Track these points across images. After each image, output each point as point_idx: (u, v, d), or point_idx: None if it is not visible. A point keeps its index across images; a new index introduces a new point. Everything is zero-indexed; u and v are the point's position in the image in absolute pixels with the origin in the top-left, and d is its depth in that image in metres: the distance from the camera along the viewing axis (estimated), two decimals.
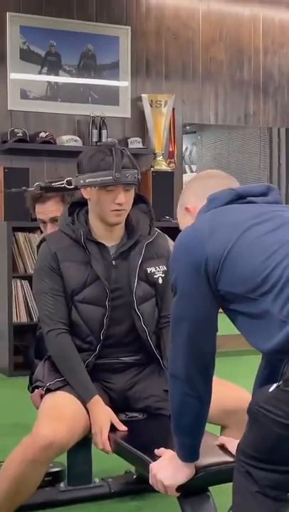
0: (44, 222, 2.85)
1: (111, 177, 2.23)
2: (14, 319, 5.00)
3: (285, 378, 1.50)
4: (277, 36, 6.39)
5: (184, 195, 1.93)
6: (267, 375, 1.79)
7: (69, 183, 2.37)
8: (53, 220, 2.79)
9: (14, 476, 2.10)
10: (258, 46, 6.31)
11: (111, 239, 2.34)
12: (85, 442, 2.30)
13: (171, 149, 5.85)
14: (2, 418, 3.99)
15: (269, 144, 6.61)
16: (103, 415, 2.16)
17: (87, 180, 2.26)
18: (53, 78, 5.50)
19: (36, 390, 2.33)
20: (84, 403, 2.19)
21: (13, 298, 5.00)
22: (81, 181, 2.29)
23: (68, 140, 5.35)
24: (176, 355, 1.70)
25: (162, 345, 2.32)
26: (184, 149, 6.16)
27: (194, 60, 6.06)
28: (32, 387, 2.41)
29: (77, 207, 2.39)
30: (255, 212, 1.68)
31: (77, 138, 5.43)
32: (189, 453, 1.77)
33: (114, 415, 2.18)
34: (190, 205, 1.87)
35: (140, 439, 2.10)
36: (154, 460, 1.86)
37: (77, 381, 2.22)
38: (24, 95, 5.41)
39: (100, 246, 2.31)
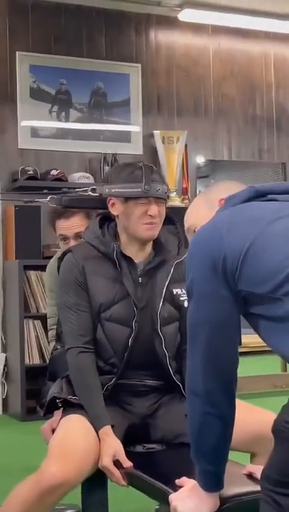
0: (66, 239, 2.77)
1: (140, 189, 2.13)
2: (26, 361, 4.84)
3: None
4: (288, 72, 6.34)
5: (212, 192, 1.77)
6: None
7: (94, 190, 2.23)
8: (78, 235, 2.71)
9: None
10: (270, 82, 6.27)
11: (140, 255, 2.22)
12: (100, 481, 2.12)
13: (184, 186, 5.76)
14: (13, 463, 3.80)
15: (284, 180, 6.50)
16: (109, 451, 1.98)
17: (113, 190, 2.16)
18: (63, 125, 5.44)
19: (53, 410, 2.19)
20: (96, 429, 2.03)
21: (26, 339, 4.85)
22: (107, 190, 2.18)
23: (80, 177, 5.27)
24: (195, 368, 1.53)
25: (184, 370, 2.16)
26: (197, 192, 6.06)
27: (206, 97, 6.01)
28: (48, 399, 2.21)
29: (106, 221, 2.27)
30: (278, 207, 1.53)
31: (89, 175, 5.36)
32: (213, 481, 1.59)
33: (122, 449, 1.99)
34: (223, 196, 1.69)
35: (159, 470, 1.93)
36: (175, 491, 1.68)
37: (92, 407, 2.06)
38: (35, 134, 5.36)
39: (130, 262, 2.19)
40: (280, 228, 1.46)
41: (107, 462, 1.96)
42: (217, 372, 1.51)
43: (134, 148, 5.65)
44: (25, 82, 5.33)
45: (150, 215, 2.14)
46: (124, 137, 5.65)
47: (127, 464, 1.97)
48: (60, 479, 1.86)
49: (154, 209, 2.14)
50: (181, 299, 2.19)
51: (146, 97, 5.75)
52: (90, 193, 2.23)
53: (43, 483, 1.87)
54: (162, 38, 5.84)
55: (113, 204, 2.18)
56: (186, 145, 5.71)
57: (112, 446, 1.98)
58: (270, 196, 1.59)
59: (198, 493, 1.60)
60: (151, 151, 5.68)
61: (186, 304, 2.16)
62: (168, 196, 2.25)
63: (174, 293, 2.20)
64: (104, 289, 2.16)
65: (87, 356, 2.13)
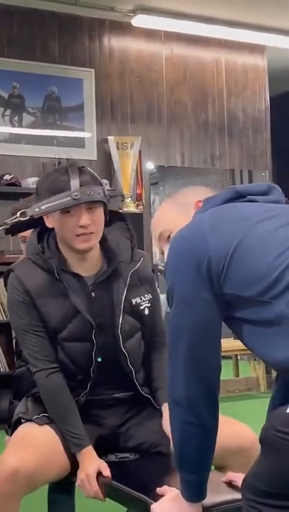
0: (25, 241, 2.56)
1: (69, 197, 1.95)
2: None
3: None
4: (240, 79, 6.40)
5: (183, 196, 1.73)
6: (282, 395, 1.52)
7: (23, 214, 2.02)
8: None
9: None
10: (221, 88, 6.31)
11: (86, 268, 2.08)
12: (66, 485, 2.08)
13: (138, 191, 5.75)
14: None
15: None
16: (92, 464, 1.94)
17: (43, 207, 1.98)
18: (15, 129, 5.37)
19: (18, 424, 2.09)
20: (73, 454, 1.97)
21: None
22: (36, 209, 1.98)
23: (34, 182, 5.17)
24: (176, 376, 1.49)
25: (152, 376, 2.13)
26: (151, 198, 6.05)
27: (159, 102, 6.01)
28: (14, 421, 2.14)
29: (47, 231, 2.11)
30: (260, 209, 1.50)
31: None
32: (195, 491, 1.56)
33: (105, 464, 1.95)
34: (199, 199, 1.63)
35: (136, 480, 1.89)
36: (155, 501, 1.65)
37: (70, 428, 1.98)
38: None
39: (77, 276, 2.06)
40: (266, 230, 1.44)
41: (86, 475, 1.91)
42: (200, 379, 1.47)
43: (89, 154, 5.61)
44: None
45: (82, 226, 1.99)
46: (79, 142, 5.61)
47: (107, 472, 1.91)
48: (16, 466, 1.83)
49: (84, 219, 1.99)
50: (142, 307, 2.10)
51: (100, 102, 5.72)
52: (19, 219, 2.04)
53: (1, 473, 1.83)
54: (116, 43, 5.82)
55: (47, 216, 2.04)
56: (140, 151, 5.70)
57: (95, 464, 1.94)
58: (249, 197, 1.56)
59: (181, 502, 1.57)
60: (106, 157, 5.65)
61: (146, 312, 2.10)
62: (106, 196, 2.06)
63: (134, 303, 2.09)
64: (54, 309, 2.03)
65: (57, 376, 2.03)
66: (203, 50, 6.20)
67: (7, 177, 5.12)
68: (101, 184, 2.05)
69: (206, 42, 6.16)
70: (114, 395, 2.11)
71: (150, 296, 2.14)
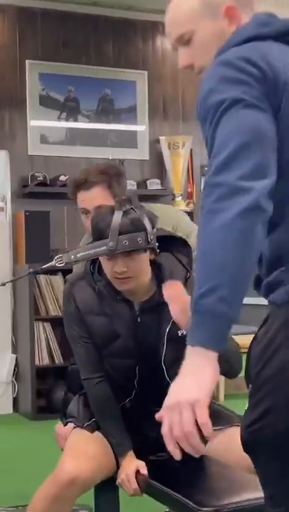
0: (87, 212, 2.53)
1: (105, 247, 2.01)
2: (36, 362, 4.99)
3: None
4: None
5: None
6: None
7: (59, 260, 2.11)
8: None
9: None
10: None
11: (134, 294, 2.15)
12: (111, 483, 2.27)
13: (189, 190, 5.89)
14: (25, 462, 3.95)
15: None
16: (131, 465, 2.12)
17: (78, 255, 2.07)
18: (71, 124, 5.58)
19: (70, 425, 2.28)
20: (116, 456, 2.15)
21: (36, 340, 5.00)
22: (72, 257, 2.08)
23: None
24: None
25: None
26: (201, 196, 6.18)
27: None
28: (66, 421, 2.33)
29: None
30: None
31: None
32: (226, 331, 1.27)
33: (143, 463, 2.12)
34: (232, 4, 1.46)
35: (171, 478, 2.07)
36: (190, 500, 1.80)
37: (113, 434, 2.17)
38: (44, 140, 5.49)
39: (124, 301, 2.16)
40: None
41: (125, 475, 2.09)
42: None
43: (141, 154, 5.78)
44: (35, 89, 5.46)
45: (116, 272, 2.06)
46: (131, 143, 5.78)
47: (144, 471, 2.08)
48: (75, 474, 2.02)
49: (119, 266, 2.04)
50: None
51: (153, 103, 5.87)
52: (56, 264, 2.13)
53: (59, 479, 2.03)
54: (168, 44, 5.94)
55: None
56: (191, 150, 5.84)
57: (134, 464, 2.11)
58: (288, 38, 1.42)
59: (193, 365, 1.29)
60: (158, 156, 5.81)
61: None
62: (149, 241, 2.05)
63: (180, 334, 2.06)
64: (98, 328, 2.15)
65: (103, 385, 2.19)
66: None
67: (62, 178, 5.33)
68: (144, 229, 2.05)
69: None
70: (157, 408, 2.25)
71: None
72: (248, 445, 1.39)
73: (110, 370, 2.22)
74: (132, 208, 2.08)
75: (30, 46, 5.47)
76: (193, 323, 1.26)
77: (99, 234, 2.06)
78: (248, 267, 1.26)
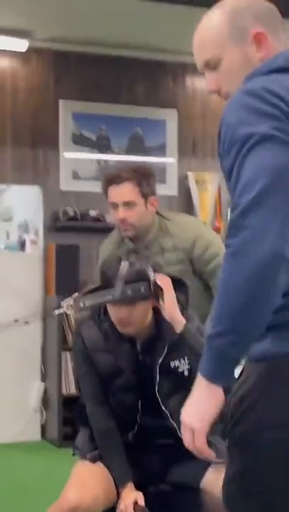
0: (116, 207, 2.74)
1: (110, 296, 2.21)
2: (63, 391, 5.15)
3: None
4: None
5: (239, 15, 1.48)
6: None
7: (69, 308, 2.36)
8: (127, 204, 2.69)
9: None
10: None
11: (136, 334, 2.33)
12: None
13: (217, 225, 6.03)
14: (51, 488, 4.07)
15: None
16: (130, 496, 2.25)
17: (86, 303, 2.27)
18: (102, 156, 5.79)
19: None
20: (117, 486, 2.29)
21: (62, 370, 5.17)
22: (81, 304, 2.27)
23: None
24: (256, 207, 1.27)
25: None
26: None
27: None
28: (72, 453, 2.51)
29: None
30: None
31: None
32: (231, 369, 1.35)
33: (141, 494, 2.25)
34: (260, 29, 1.45)
35: (171, 511, 2.20)
36: None
37: (115, 466, 2.31)
38: (76, 176, 5.72)
39: (127, 340, 2.34)
40: None
41: (124, 506, 2.23)
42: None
43: (169, 189, 5.95)
44: (68, 128, 5.70)
45: (120, 318, 2.26)
46: (160, 178, 5.96)
47: (142, 502, 2.22)
48: (77, 502, 2.18)
49: (121, 314, 2.24)
50: (180, 370, 2.24)
51: (182, 141, 6.05)
52: (65, 311, 2.36)
53: (62, 508, 2.20)
54: (198, 83, 6.14)
55: None
56: (219, 185, 5.99)
57: (133, 495, 2.25)
58: None
59: (199, 393, 1.37)
60: (186, 192, 5.97)
61: (186, 374, 2.21)
62: (152, 289, 2.20)
63: (172, 366, 2.25)
64: (103, 365, 2.34)
65: (106, 418, 2.36)
66: None
67: (92, 213, 5.54)
68: (148, 279, 2.22)
69: None
70: (158, 441, 2.40)
71: (192, 357, 2.23)
72: (225, 500, 1.42)
73: (114, 404, 2.37)
74: (137, 259, 2.28)
75: (64, 87, 5.72)
76: (205, 354, 1.35)
77: (106, 282, 2.25)
78: (265, 316, 1.29)
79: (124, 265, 2.23)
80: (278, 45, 1.48)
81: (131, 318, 2.27)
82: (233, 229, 1.29)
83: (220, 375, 1.34)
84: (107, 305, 2.31)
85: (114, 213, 2.77)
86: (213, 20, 1.51)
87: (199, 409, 1.36)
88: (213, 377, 1.34)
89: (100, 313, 2.39)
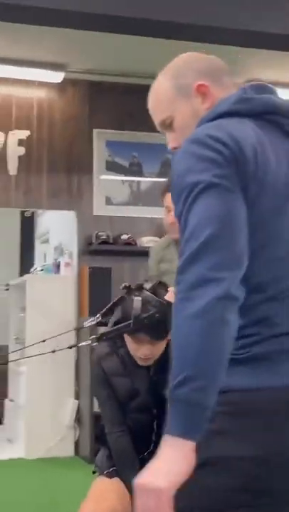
0: (170, 211, 2.98)
1: (134, 332, 2.34)
2: (95, 408, 5.31)
3: None
4: None
5: (181, 75, 1.56)
6: None
7: (94, 339, 2.41)
8: None
9: None
10: None
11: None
12: None
13: None
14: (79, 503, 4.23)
15: None
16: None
17: (109, 330, 2.41)
18: (135, 186, 6.01)
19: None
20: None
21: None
22: (104, 331, 2.43)
23: (148, 241, 5.74)
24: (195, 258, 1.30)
25: None
26: None
27: None
28: (93, 471, 2.69)
29: None
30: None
31: (157, 238, 5.83)
32: (203, 420, 1.26)
33: None
34: (201, 82, 1.52)
35: None
36: None
37: (131, 481, 2.45)
38: (108, 202, 5.94)
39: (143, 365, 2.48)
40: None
41: None
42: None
43: None
44: (101, 155, 5.94)
45: (141, 354, 2.39)
46: None
47: None
48: None
49: (144, 351, 2.38)
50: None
51: None
52: (90, 343, 2.44)
53: None
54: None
55: None
56: None
57: None
58: (277, 118, 1.46)
59: (178, 448, 1.26)
60: None
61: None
62: (168, 330, 2.16)
63: None
64: (121, 388, 2.48)
65: (124, 438, 2.49)
66: None
67: (124, 236, 5.74)
68: (166, 320, 2.19)
69: None
70: None
71: None
72: None
73: (131, 424, 2.53)
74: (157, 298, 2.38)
75: (98, 116, 5.96)
76: (170, 413, 1.27)
77: (127, 315, 2.36)
78: (222, 356, 1.26)
79: (137, 302, 2.34)
80: (224, 93, 1.53)
81: (153, 354, 2.42)
82: (180, 275, 1.31)
83: (194, 429, 1.25)
84: (127, 339, 2.44)
85: (167, 217, 3.04)
86: (160, 83, 1.62)
87: (171, 470, 1.24)
88: (186, 434, 1.25)
89: (116, 341, 2.56)
